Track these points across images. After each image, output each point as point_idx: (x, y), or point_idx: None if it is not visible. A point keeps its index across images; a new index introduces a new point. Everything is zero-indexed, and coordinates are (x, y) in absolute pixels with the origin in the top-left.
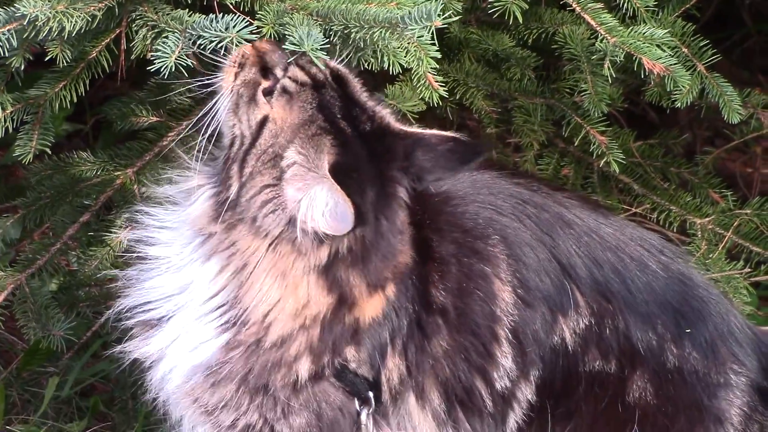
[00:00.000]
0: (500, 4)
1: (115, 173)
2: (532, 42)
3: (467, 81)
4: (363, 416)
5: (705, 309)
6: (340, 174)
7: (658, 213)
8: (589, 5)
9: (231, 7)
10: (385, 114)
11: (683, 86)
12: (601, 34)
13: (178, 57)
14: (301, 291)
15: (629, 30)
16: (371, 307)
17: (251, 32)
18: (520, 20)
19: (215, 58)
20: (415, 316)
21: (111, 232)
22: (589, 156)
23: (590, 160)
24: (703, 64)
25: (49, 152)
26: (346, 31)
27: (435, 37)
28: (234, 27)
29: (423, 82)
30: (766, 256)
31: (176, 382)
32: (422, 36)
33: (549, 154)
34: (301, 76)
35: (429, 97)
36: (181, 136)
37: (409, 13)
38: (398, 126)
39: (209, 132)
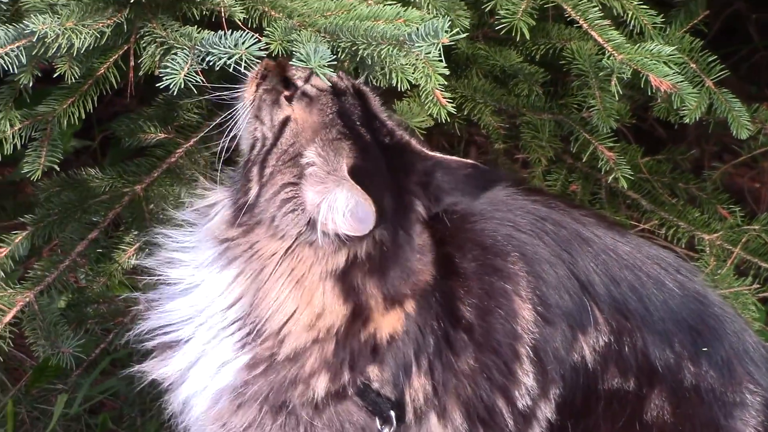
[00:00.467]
0: (508, 21)
1: (124, 190)
2: (539, 58)
3: (475, 97)
4: None
5: (721, 327)
6: (359, 176)
7: (666, 229)
8: (597, 22)
9: (239, 23)
10: (406, 134)
11: (690, 103)
12: (608, 51)
13: (187, 73)
14: (317, 299)
15: (636, 47)
16: (388, 323)
17: (260, 48)
18: (528, 36)
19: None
20: (442, 333)
21: (119, 249)
22: (597, 172)
23: (598, 176)
24: (711, 80)
25: (58, 169)
26: (353, 48)
27: (443, 53)
28: (243, 43)
29: (431, 98)
30: None
31: (202, 407)
32: (430, 53)
33: (557, 169)
34: (322, 84)
35: (437, 113)
36: (196, 150)
37: (417, 30)
38: (419, 147)
39: (229, 139)
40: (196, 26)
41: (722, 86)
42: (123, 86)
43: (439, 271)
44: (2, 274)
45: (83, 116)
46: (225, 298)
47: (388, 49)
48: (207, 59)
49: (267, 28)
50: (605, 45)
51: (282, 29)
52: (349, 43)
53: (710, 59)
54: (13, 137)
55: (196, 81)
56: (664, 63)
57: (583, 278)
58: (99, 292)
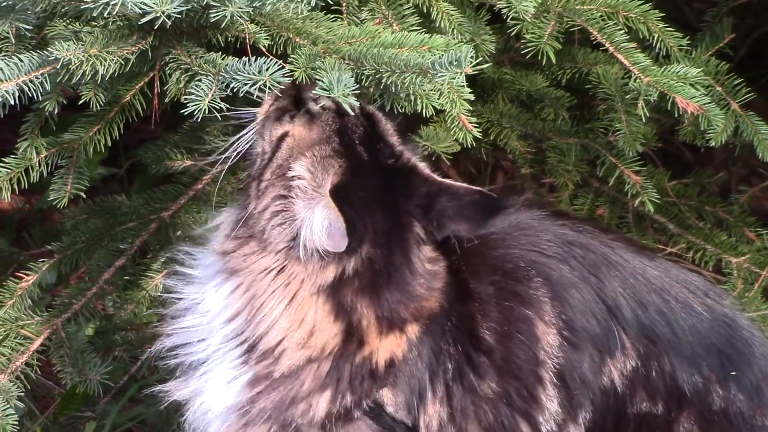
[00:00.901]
0: (533, 45)
1: (151, 217)
2: (565, 82)
3: (501, 121)
4: None
5: (749, 351)
6: (341, 193)
7: (694, 252)
8: (623, 45)
9: (264, 50)
10: (416, 160)
11: (717, 125)
12: (634, 74)
13: (212, 100)
14: (309, 316)
15: (663, 69)
16: (386, 347)
17: (284, 75)
18: (554, 60)
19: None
20: (464, 356)
21: (147, 276)
22: (624, 196)
23: (625, 200)
24: (738, 103)
25: (84, 196)
26: (377, 76)
27: (468, 79)
28: (267, 70)
29: (457, 123)
30: None
31: (216, 426)
32: (455, 80)
33: (584, 194)
34: (328, 103)
35: (463, 138)
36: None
37: (440, 59)
38: (427, 172)
39: (236, 153)
40: (220, 53)
41: (749, 109)
42: (149, 113)
43: (455, 297)
44: (29, 301)
45: (109, 143)
46: (224, 313)
47: (412, 77)
48: (231, 85)
49: (291, 55)
50: (631, 68)
51: (306, 56)
52: (373, 71)
53: (736, 82)
54: (40, 165)
55: (220, 107)
56: (691, 85)
57: (611, 302)
58: (126, 319)
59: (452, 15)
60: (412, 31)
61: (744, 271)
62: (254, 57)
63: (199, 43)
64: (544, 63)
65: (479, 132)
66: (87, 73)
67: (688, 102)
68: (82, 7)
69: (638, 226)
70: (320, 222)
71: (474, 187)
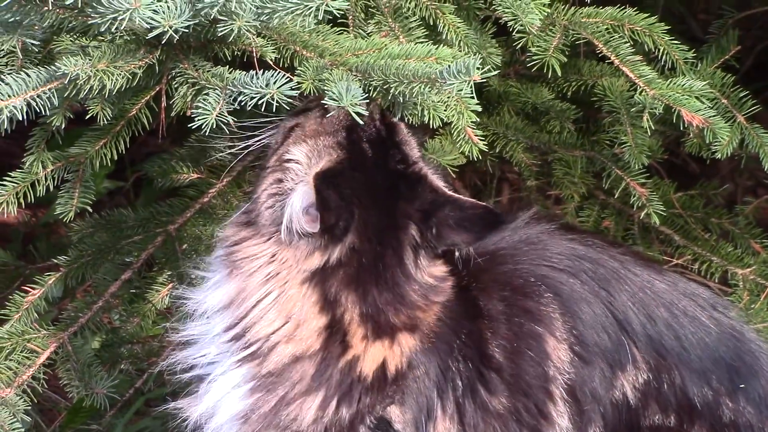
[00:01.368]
0: (539, 57)
1: (157, 230)
2: (571, 94)
3: (507, 134)
4: None
5: (757, 364)
6: (329, 179)
7: (700, 264)
8: (628, 58)
9: (271, 63)
10: (431, 173)
11: (722, 138)
12: (640, 87)
13: (219, 114)
14: (296, 307)
15: (668, 82)
16: (373, 355)
17: (291, 88)
18: (559, 73)
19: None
20: (475, 373)
21: (153, 289)
22: (630, 208)
23: (631, 212)
24: (743, 115)
25: (91, 210)
26: (385, 87)
27: (475, 90)
28: (274, 83)
29: (463, 136)
30: None
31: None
32: (462, 90)
33: (589, 206)
34: None
35: (469, 151)
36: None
37: (449, 68)
38: (438, 184)
39: (258, 145)
40: (227, 66)
41: (755, 121)
42: (155, 127)
43: (464, 314)
44: (36, 315)
45: (116, 157)
46: (220, 304)
47: (420, 86)
48: (239, 99)
49: (298, 68)
50: (637, 80)
51: (314, 68)
52: (381, 82)
53: (742, 94)
54: (46, 179)
55: (227, 121)
56: (696, 98)
57: (621, 316)
58: (133, 332)
59: (459, 27)
60: (419, 43)
61: (750, 282)
62: (261, 70)
63: (206, 57)
64: (549, 76)
65: (485, 144)
66: (94, 87)
67: (693, 115)
68: (89, 22)
69: (644, 238)
70: (300, 201)
71: (480, 203)
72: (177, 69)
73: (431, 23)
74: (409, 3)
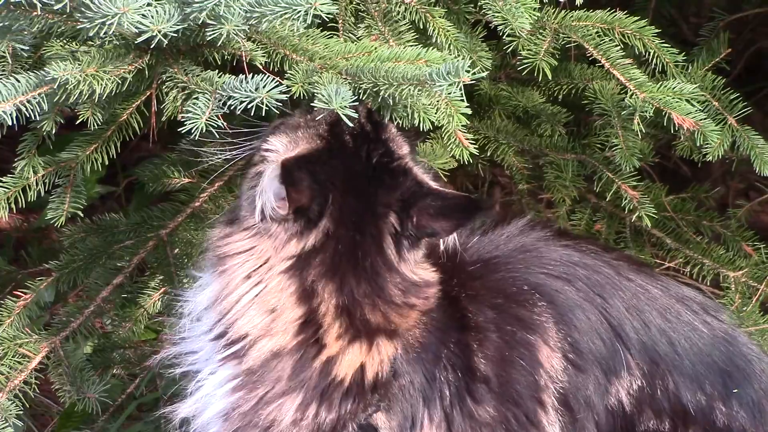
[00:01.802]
0: (530, 61)
1: (148, 235)
2: (562, 98)
3: (498, 137)
4: None
5: (750, 368)
6: (302, 164)
7: (692, 267)
8: (619, 61)
9: (260, 67)
10: (417, 169)
11: (713, 141)
12: (630, 90)
13: (209, 118)
14: (275, 298)
15: (659, 85)
16: (350, 359)
17: (281, 92)
18: (550, 76)
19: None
20: (462, 383)
21: (145, 294)
22: (621, 211)
23: (622, 215)
24: (734, 117)
25: (82, 215)
26: (375, 89)
27: (465, 94)
28: (264, 87)
29: (453, 139)
30: None
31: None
32: (452, 92)
33: (581, 209)
34: None
35: (460, 155)
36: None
37: (438, 69)
38: (422, 177)
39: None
40: (217, 71)
41: (745, 124)
42: (146, 132)
43: (452, 325)
44: (28, 320)
45: (107, 162)
46: (206, 303)
47: (410, 89)
48: (228, 103)
49: (288, 71)
50: (627, 84)
51: (303, 72)
52: (370, 84)
53: (732, 97)
54: (37, 184)
55: (218, 125)
56: (687, 101)
57: (615, 323)
58: (125, 337)
59: (449, 31)
60: (408, 46)
61: (742, 285)
62: (251, 74)
63: (195, 61)
64: (540, 79)
65: (476, 148)
66: (84, 92)
67: (684, 118)
68: (78, 27)
69: (636, 241)
70: (270, 183)
71: (462, 193)
72: (167, 73)
73: (421, 27)
74: (399, 6)
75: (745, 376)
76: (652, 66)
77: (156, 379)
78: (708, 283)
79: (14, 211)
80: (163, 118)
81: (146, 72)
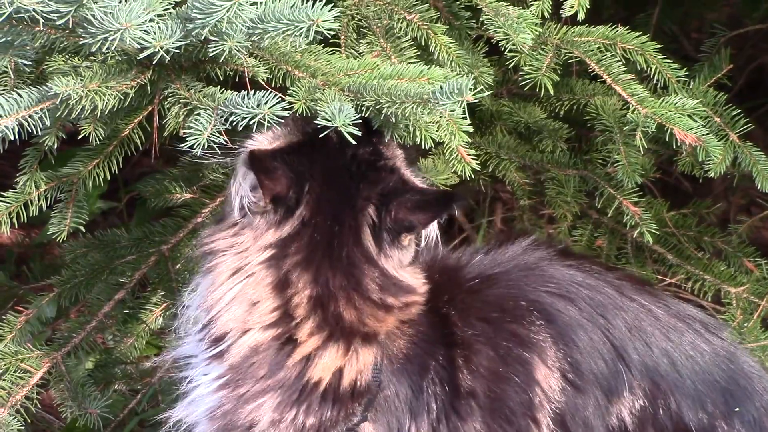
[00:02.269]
0: (531, 77)
1: (150, 250)
2: (563, 113)
3: (500, 153)
4: None
5: (750, 386)
6: (277, 153)
7: (693, 282)
8: (620, 76)
9: (263, 83)
10: (407, 171)
11: (715, 156)
12: (632, 105)
13: (211, 134)
14: (254, 290)
15: (660, 101)
16: (325, 362)
17: (283, 108)
18: (552, 92)
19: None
20: (449, 400)
21: (146, 309)
22: (623, 227)
23: (624, 231)
24: (736, 133)
25: (84, 230)
26: (377, 107)
27: (467, 110)
28: (266, 103)
29: (455, 155)
30: None
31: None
32: (454, 110)
33: (582, 225)
34: None
35: (462, 171)
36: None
37: (441, 88)
38: (409, 177)
39: None
40: (219, 87)
41: (747, 140)
42: (148, 147)
43: (439, 339)
44: (29, 335)
45: (108, 177)
46: (199, 300)
47: (412, 107)
48: (230, 119)
49: (291, 88)
50: (629, 99)
51: (306, 88)
52: (373, 102)
53: (734, 113)
54: (39, 199)
55: (219, 141)
56: (689, 116)
57: (618, 343)
58: (126, 352)
59: (450, 47)
60: (410, 63)
61: (743, 301)
62: (253, 90)
63: (197, 77)
64: (542, 95)
65: (478, 164)
66: (86, 107)
67: (686, 133)
68: (80, 43)
69: (637, 257)
70: (245, 175)
71: (440, 189)
72: (169, 89)
73: (423, 43)
74: (401, 23)
75: (746, 395)
76: (654, 81)
77: (158, 395)
78: (709, 299)
79: (16, 226)
80: (165, 134)
81: (148, 87)
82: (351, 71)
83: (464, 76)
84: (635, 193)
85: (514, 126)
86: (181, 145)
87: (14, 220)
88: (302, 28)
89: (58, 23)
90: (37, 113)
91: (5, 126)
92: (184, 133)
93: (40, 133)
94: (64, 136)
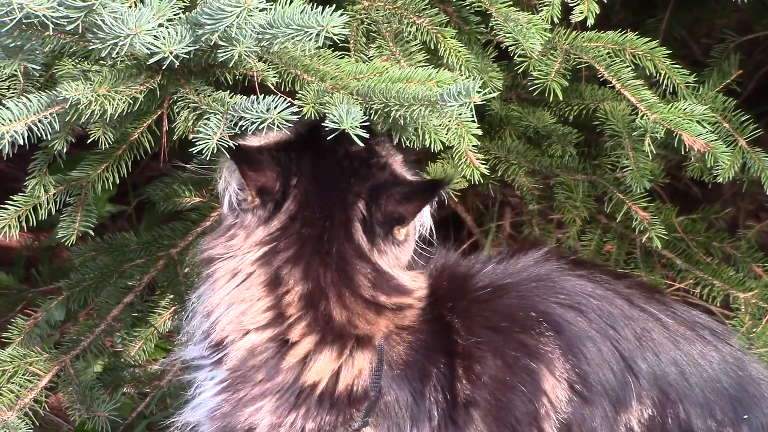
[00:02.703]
0: (541, 81)
1: (159, 254)
2: (573, 118)
3: (509, 158)
4: None
5: (759, 392)
6: (264, 148)
7: (702, 288)
8: (630, 82)
9: (272, 87)
10: (399, 167)
11: (724, 162)
12: (641, 111)
13: (220, 138)
14: (248, 291)
15: (669, 106)
16: (319, 365)
17: (292, 113)
18: (561, 97)
19: None
20: (448, 408)
21: (155, 313)
22: (632, 232)
23: (633, 236)
24: (745, 139)
25: (93, 233)
26: (386, 110)
27: (476, 114)
28: (275, 108)
29: (464, 159)
30: None
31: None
32: (463, 113)
33: (591, 230)
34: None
35: (470, 175)
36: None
37: (449, 90)
38: (401, 172)
39: None
40: (228, 91)
41: (756, 145)
42: (157, 151)
43: (440, 347)
44: (38, 338)
45: (117, 181)
46: (201, 307)
47: (420, 109)
48: (240, 124)
49: (300, 92)
50: (638, 105)
51: (315, 92)
52: (381, 105)
53: (743, 118)
54: (48, 202)
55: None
56: (698, 122)
57: (627, 354)
58: (135, 355)
59: (460, 52)
60: (420, 67)
61: (752, 306)
62: (262, 95)
63: (207, 81)
64: (551, 100)
65: (487, 168)
66: (96, 112)
67: (694, 139)
68: (90, 48)
69: (646, 262)
70: (231, 171)
71: (425, 179)
72: (178, 93)
73: (432, 47)
74: (411, 27)
75: (755, 401)
76: (663, 87)
77: (166, 398)
78: (718, 304)
79: (25, 230)
80: (174, 138)
81: (158, 92)
82: (360, 75)
83: (472, 79)
84: (644, 198)
85: (523, 131)
86: (190, 150)
87: (23, 224)
88: (312, 33)
89: (67, 28)
90: (46, 118)
91: (15, 130)
92: (194, 138)
93: (49, 137)
94: (73, 140)
